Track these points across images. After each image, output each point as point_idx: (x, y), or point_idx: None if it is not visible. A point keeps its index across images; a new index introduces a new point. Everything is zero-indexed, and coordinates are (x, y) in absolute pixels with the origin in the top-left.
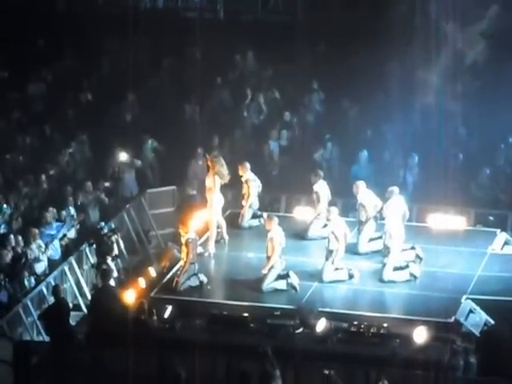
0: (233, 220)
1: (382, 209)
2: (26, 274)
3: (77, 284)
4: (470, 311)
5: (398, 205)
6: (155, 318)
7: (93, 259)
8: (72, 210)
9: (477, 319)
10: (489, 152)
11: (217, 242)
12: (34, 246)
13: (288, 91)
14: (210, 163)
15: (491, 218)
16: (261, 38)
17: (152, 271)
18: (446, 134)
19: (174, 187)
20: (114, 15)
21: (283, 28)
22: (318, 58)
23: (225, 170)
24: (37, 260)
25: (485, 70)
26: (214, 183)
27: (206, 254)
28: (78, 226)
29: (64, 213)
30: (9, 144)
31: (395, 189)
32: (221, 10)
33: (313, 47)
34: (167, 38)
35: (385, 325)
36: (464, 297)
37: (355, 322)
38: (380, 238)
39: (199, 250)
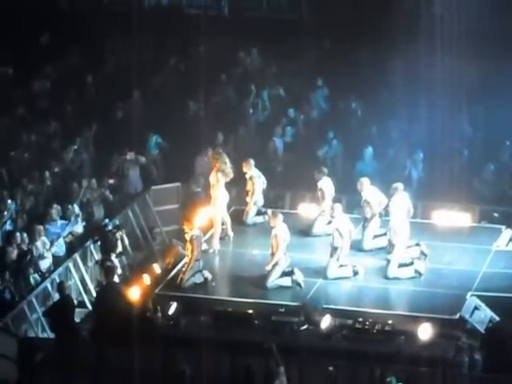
0: (237, 217)
1: (387, 205)
2: (31, 270)
3: (81, 281)
4: (475, 308)
5: (402, 201)
6: (160, 314)
7: (97, 256)
8: (76, 208)
9: (482, 316)
10: (494, 148)
11: (221, 238)
12: (38, 242)
13: (292, 88)
14: (212, 160)
15: (496, 214)
16: (265, 35)
17: (156, 268)
18: (450, 131)
19: (178, 184)
20: (118, 13)
21: (288, 25)
22: (323, 54)
23: (228, 167)
24: (41, 257)
25: (489, 67)
26: (218, 180)
27: (211, 251)
28: (84, 223)
29: (70, 208)
30: (13, 141)
31: (400, 185)
32: (225, 7)
33: (317, 44)
34: (171, 36)
35: (389, 322)
36: (469, 293)
37: (360, 319)
38: (385, 234)
39: (204, 246)
